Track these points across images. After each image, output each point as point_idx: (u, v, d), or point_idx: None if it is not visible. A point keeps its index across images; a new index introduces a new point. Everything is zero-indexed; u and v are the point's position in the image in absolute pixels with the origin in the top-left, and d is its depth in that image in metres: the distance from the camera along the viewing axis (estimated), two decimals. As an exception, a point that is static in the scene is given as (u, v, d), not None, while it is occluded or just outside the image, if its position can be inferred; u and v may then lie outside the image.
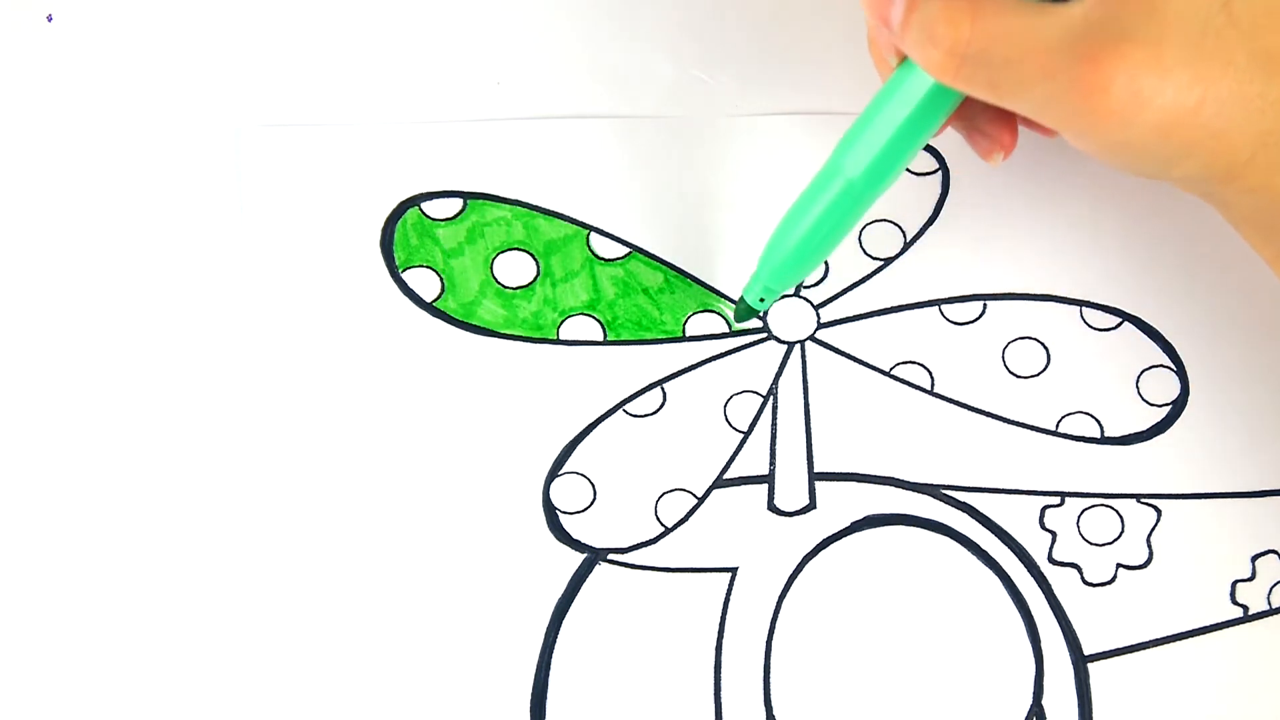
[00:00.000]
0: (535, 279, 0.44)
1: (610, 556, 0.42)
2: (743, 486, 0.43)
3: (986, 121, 0.40)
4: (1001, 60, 0.33)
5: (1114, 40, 0.32)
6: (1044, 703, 0.41)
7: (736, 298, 0.44)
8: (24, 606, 0.41)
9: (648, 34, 0.47)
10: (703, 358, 0.44)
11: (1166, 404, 0.43)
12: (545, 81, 0.46)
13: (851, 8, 0.46)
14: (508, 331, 0.43)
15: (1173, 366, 0.44)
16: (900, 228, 0.45)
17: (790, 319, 0.44)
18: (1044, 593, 0.42)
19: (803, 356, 0.44)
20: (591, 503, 0.42)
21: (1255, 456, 0.43)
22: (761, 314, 0.44)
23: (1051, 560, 0.42)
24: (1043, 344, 0.44)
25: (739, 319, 0.43)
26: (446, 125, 0.45)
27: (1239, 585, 0.42)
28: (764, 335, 0.44)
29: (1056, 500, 0.43)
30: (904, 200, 0.45)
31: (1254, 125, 0.33)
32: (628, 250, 0.44)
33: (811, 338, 0.44)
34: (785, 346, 0.44)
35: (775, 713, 0.41)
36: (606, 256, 0.44)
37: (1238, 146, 0.33)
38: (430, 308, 0.44)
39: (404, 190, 0.45)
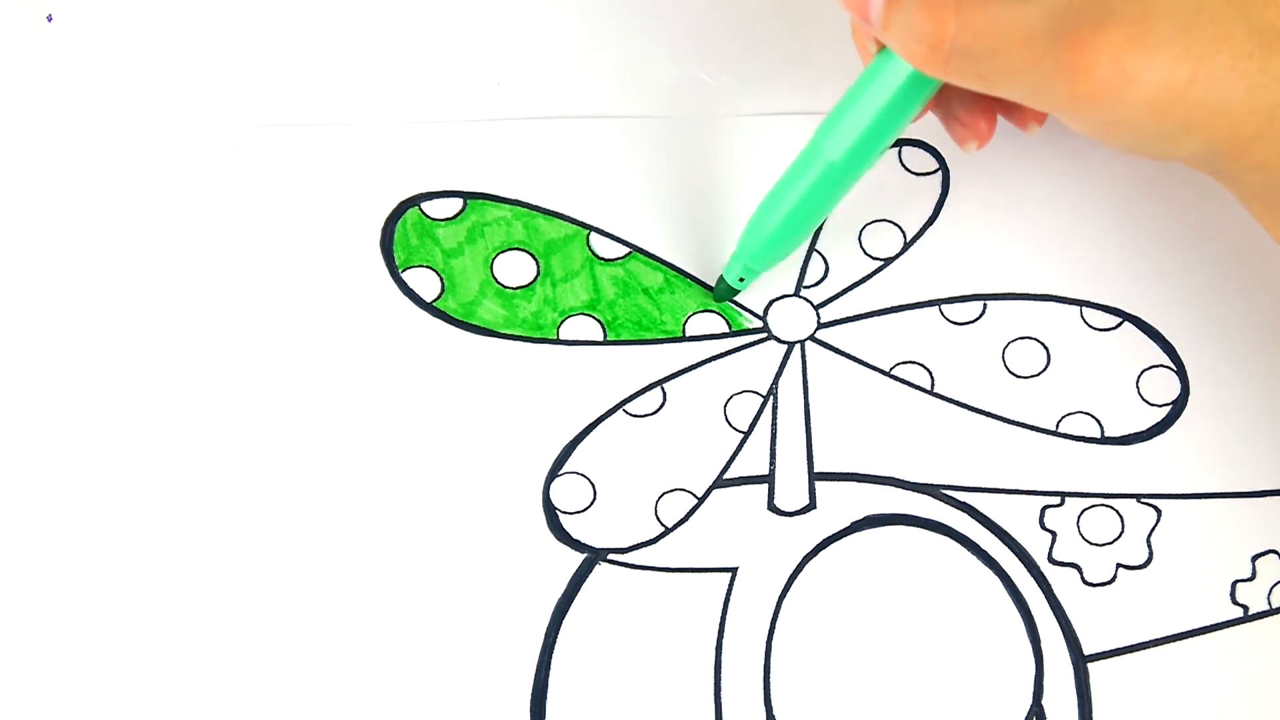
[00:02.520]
0: (535, 279, 0.44)
1: (610, 556, 0.42)
2: (743, 486, 0.43)
3: (963, 110, 0.40)
4: (987, 51, 0.33)
5: (1096, 22, 0.32)
6: (1044, 703, 0.41)
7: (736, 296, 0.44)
8: (20, 604, 0.41)
9: (648, 34, 0.47)
10: (703, 358, 0.44)
11: (1166, 404, 0.43)
12: (545, 81, 0.46)
13: (851, 8, 0.46)
14: (508, 331, 0.43)
15: (1173, 366, 0.44)
16: (900, 228, 0.45)
17: (790, 319, 0.44)
18: (1044, 593, 0.42)
19: (803, 356, 0.44)
20: (591, 503, 0.42)
21: (1255, 456, 0.43)
22: (756, 304, 0.44)
23: (1051, 560, 0.42)
24: (1043, 344, 0.44)
25: (718, 298, 0.44)
26: (446, 125, 0.45)
27: (1239, 585, 0.42)
28: (764, 335, 0.44)
29: (1056, 500, 0.43)
30: (904, 200, 0.45)
31: (1257, 100, 0.33)
32: (628, 250, 0.44)
33: (811, 338, 0.44)
34: (785, 346, 0.44)
35: (775, 713, 0.41)
36: (606, 256, 0.44)
37: (1241, 121, 0.33)
38: (430, 308, 0.44)
39: (404, 190, 0.45)
